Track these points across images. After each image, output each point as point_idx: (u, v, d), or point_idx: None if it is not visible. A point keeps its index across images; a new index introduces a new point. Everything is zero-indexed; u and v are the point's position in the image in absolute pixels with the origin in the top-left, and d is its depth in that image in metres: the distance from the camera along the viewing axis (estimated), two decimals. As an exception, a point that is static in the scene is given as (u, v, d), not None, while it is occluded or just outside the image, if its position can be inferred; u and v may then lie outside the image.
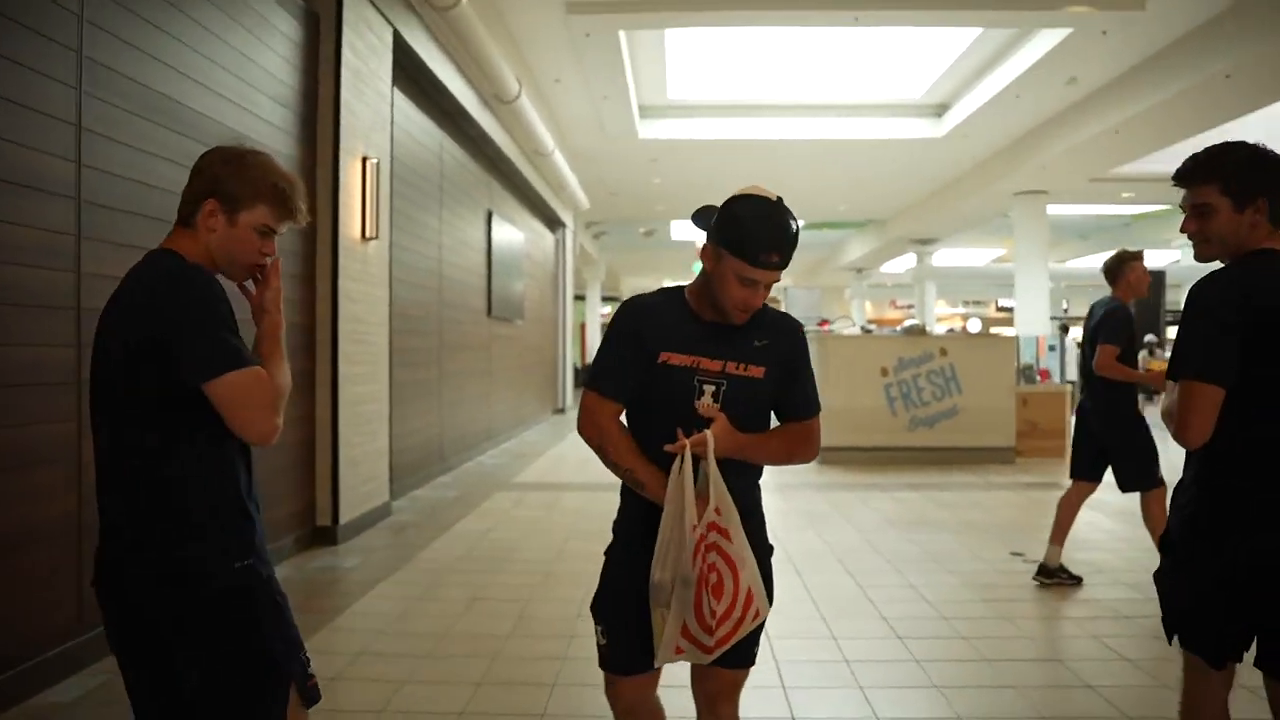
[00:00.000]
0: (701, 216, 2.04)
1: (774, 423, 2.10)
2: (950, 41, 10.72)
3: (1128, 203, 17.74)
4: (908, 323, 10.67)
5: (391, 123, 6.83)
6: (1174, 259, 23.98)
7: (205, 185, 1.79)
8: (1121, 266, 4.76)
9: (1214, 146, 2.13)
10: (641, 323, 2.01)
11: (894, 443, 9.64)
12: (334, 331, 5.83)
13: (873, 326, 17.30)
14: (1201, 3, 8.72)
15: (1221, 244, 2.10)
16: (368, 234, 6.21)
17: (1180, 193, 2.16)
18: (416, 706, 3.31)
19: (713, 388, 1.96)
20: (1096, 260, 26.09)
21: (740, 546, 1.92)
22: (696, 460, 1.91)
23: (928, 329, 11.13)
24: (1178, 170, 2.16)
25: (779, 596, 4.64)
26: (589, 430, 2.03)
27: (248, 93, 4.93)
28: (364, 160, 6.17)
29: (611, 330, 2.05)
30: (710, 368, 1.96)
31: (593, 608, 2.13)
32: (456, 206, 9.40)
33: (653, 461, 1.97)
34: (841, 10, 8.94)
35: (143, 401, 1.69)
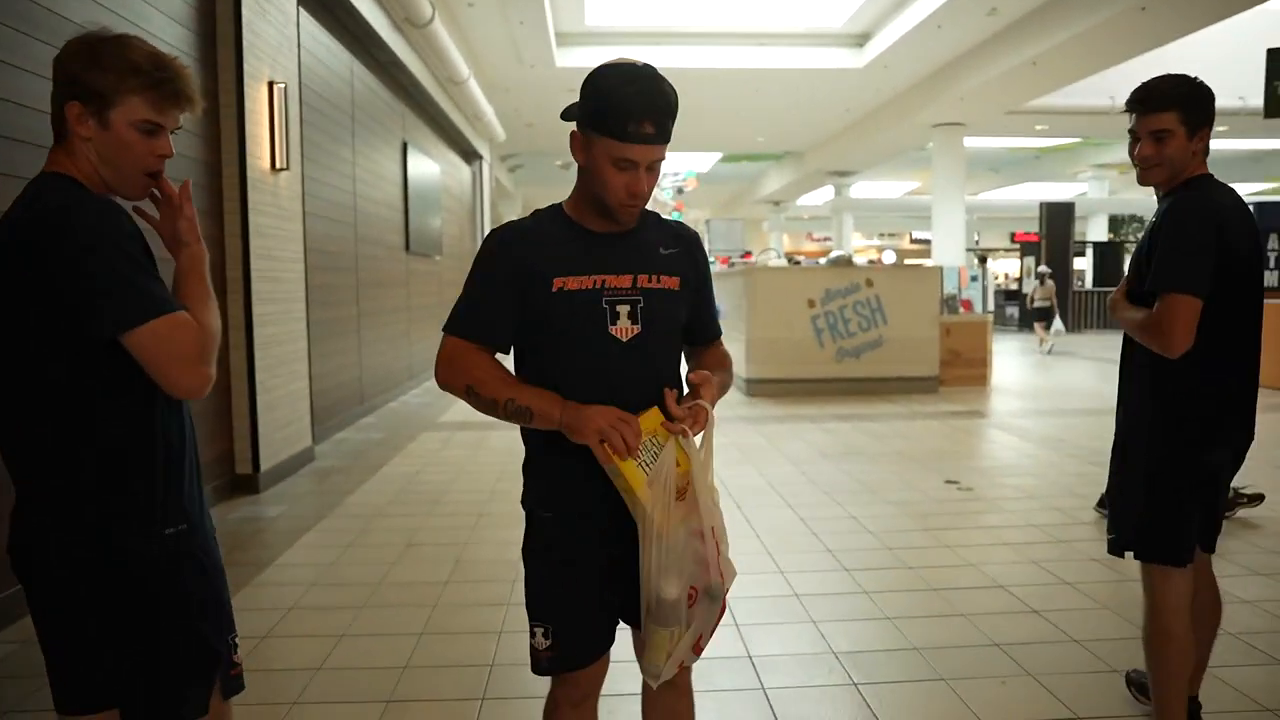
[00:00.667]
0: (570, 110, 1.69)
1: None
2: (875, -32, 10.58)
3: (1040, 135, 18.07)
4: (834, 254, 10.68)
5: (299, 45, 6.37)
6: (1081, 191, 24.67)
7: (65, 86, 1.49)
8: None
9: (1170, 76, 2.26)
10: (521, 249, 1.67)
11: (821, 374, 9.70)
12: (245, 269, 5.47)
13: (800, 259, 17.37)
14: (1122, -69, 8.76)
15: (1170, 169, 2.24)
16: (278, 164, 5.81)
17: (1121, 121, 2.31)
18: (356, 662, 3.15)
19: (627, 307, 1.66)
20: (1007, 193, 26.74)
21: (717, 514, 1.72)
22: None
23: (853, 260, 11.17)
24: (1137, 96, 2.25)
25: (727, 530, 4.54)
26: (449, 375, 1.67)
27: (135, 5, 4.47)
28: (270, 85, 5.74)
29: (481, 263, 1.70)
30: (619, 284, 1.66)
31: (530, 609, 1.76)
32: (370, 137, 8.93)
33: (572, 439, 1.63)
34: (768, -68, 8.68)
35: (53, 361, 1.44)
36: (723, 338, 1.94)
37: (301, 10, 6.55)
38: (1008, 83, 12.72)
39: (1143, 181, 2.32)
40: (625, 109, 1.55)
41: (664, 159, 1.63)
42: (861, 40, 13.26)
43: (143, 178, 1.54)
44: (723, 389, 1.80)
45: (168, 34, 4.81)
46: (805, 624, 3.42)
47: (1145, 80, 2.28)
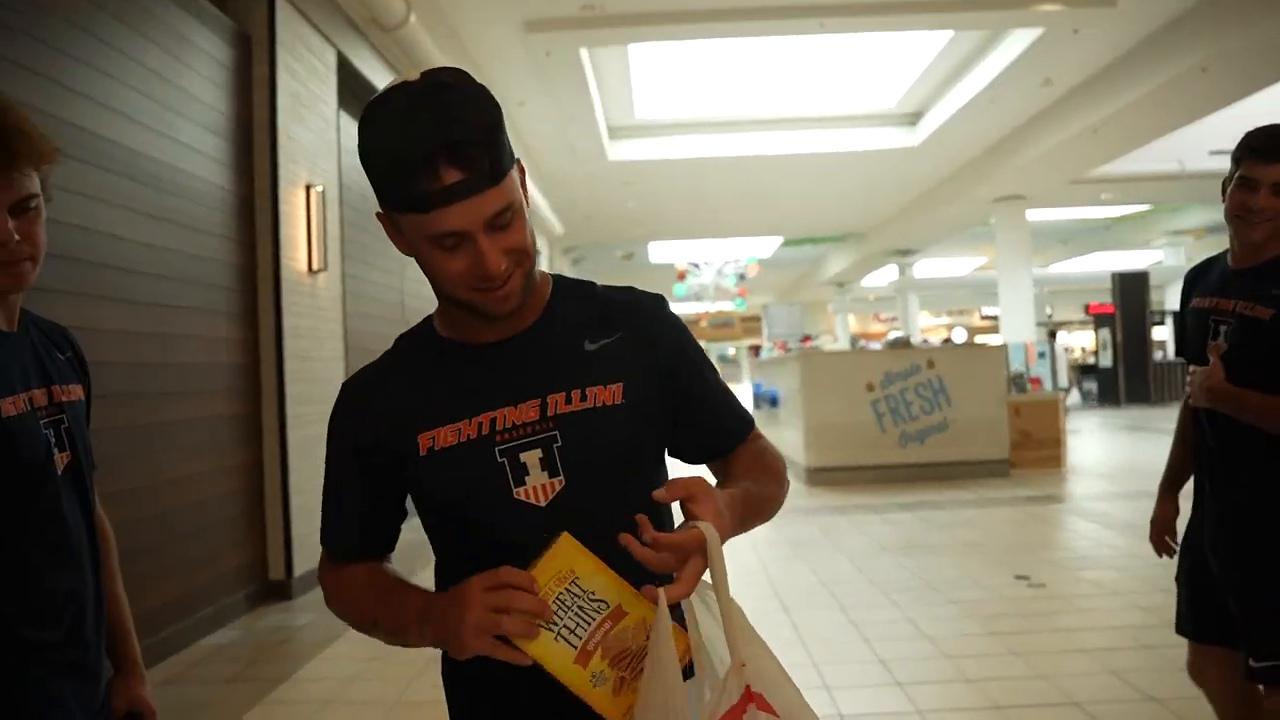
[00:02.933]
0: None
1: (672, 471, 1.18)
2: (921, 48, 10.50)
3: (1107, 204, 17.58)
4: (892, 335, 10.35)
5: (339, 148, 6.47)
6: (1156, 259, 23.89)
7: None
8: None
9: None
10: (364, 406, 1.16)
11: (884, 460, 9.28)
12: (279, 372, 5.44)
13: (862, 341, 17.05)
14: (1174, -4, 8.53)
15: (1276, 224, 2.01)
16: (315, 266, 5.83)
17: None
18: (354, 797, 2.90)
19: (536, 452, 1.09)
20: (1078, 265, 26.05)
21: (791, 700, 1.04)
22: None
23: (913, 341, 10.82)
24: (1264, 143, 2.01)
25: (767, 637, 4.20)
26: (329, 601, 1.22)
27: (166, 117, 4.55)
28: (308, 188, 5.80)
29: (329, 443, 1.21)
30: (517, 419, 1.09)
31: None
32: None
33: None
34: (806, 18, 8.68)
35: None
36: (758, 429, 1.30)
37: (343, 114, 6.68)
38: (1068, 152, 12.39)
39: (1244, 236, 2.06)
40: (406, 162, 0.98)
41: (511, 204, 1.03)
42: (914, 119, 13.13)
43: None
44: (749, 504, 1.12)
45: (203, 144, 4.90)
46: (850, 751, 3.07)
47: (1265, 126, 2.05)
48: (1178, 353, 2.44)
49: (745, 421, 1.26)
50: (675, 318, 1.23)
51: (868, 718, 3.33)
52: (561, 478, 1.09)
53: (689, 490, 1.00)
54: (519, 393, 1.10)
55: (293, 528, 5.48)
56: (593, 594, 1.01)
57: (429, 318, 1.21)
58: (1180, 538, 2.36)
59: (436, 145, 0.98)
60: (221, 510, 4.97)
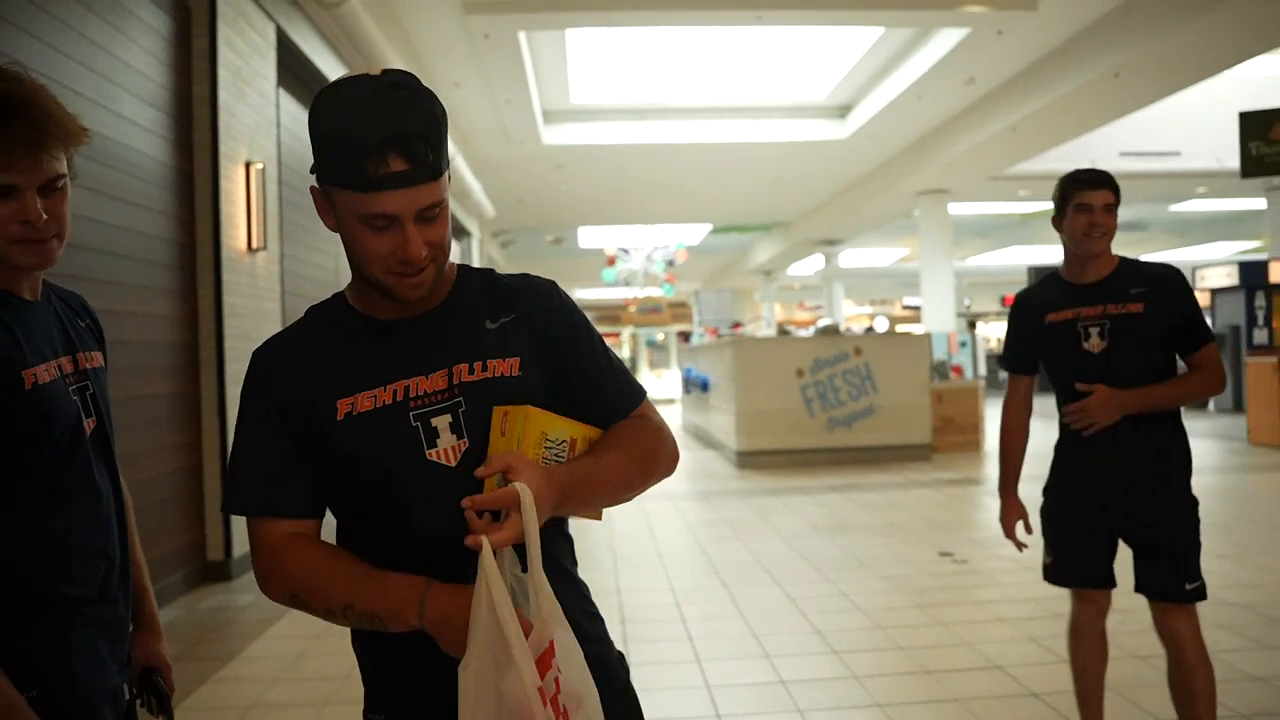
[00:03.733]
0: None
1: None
2: (853, 43, 10.77)
3: (1024, 200, 18.25)
4: (822, 322, 10.64)
5: (278, 125, 6.39)
6: (1067, 254, 24.81)
7: None
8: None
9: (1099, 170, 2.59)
10: (284, 369, 1.22)
11: (813, 444, 9.56)
12: (219, 350, 5.38)
13: (790, 328, 17.39)
14: (1091, 3, 8.93)
15: (1110, 238, 2.53)
16: (254, 244, 5.76)
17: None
18: (314, 766, 2.95)
19: (446, 417, 1.18)
20: (996, 258, 26.95)
21: (575, 674, 1.12)
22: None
23: (842, 329, 11.13)
24: (1092, 176, 2.52)
25: (708, 612, 4.37)
26: (266, 577, 1.21)
27: (104, 88, 4.46)
28: (248, 165, 5.73)
29: (244, 401, 1.24)
30: (428, 387, 1.19)
31: None
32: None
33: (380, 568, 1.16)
34: (744, 10, 8.84)
35: None
36: (648, 406, 1.36)
37: (282, 91, 6.58)
38: (989, 149, 12.86)
39: (1092, 250, 2.52)
40: (358, 145, 1.08)
41: (442, 201, 1.14)
42: (844, 111, 13.44)
43: (15, 246, 1.24)
44: (587, 477, 1.19)
45: (141, 117, 4.80)
46: (791, 713, 3.24)
47: (1086, 169, 2.58)
48: (1012, 368, 2.81)
49: (630, 396, 1.33)
50: (566, 299, 1.33)
51: (807, 683, 3.52)
52: (467, 439, 1.19)
53: (506, 463, 1.11)
54: (428, 364, 1.21)
55: (231, 508, 5.43)
56: (560, 439, 1.20)
57: (339, 294, 1.30)
58: (1050, 515, 2.85)
59: (390, 134, 1.08)
60: (160, 490, 4.91)
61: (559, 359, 1.27)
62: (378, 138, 1.08)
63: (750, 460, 9.53)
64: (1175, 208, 19.86)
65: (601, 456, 1.23)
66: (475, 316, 1.25)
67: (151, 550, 4.74)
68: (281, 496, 1.20)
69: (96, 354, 1.42)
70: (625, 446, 1.26)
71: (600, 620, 1.33)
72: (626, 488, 1.26)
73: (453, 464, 1.18)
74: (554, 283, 1.34)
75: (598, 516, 1.29)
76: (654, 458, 1.30)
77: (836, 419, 9.61)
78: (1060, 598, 4.51)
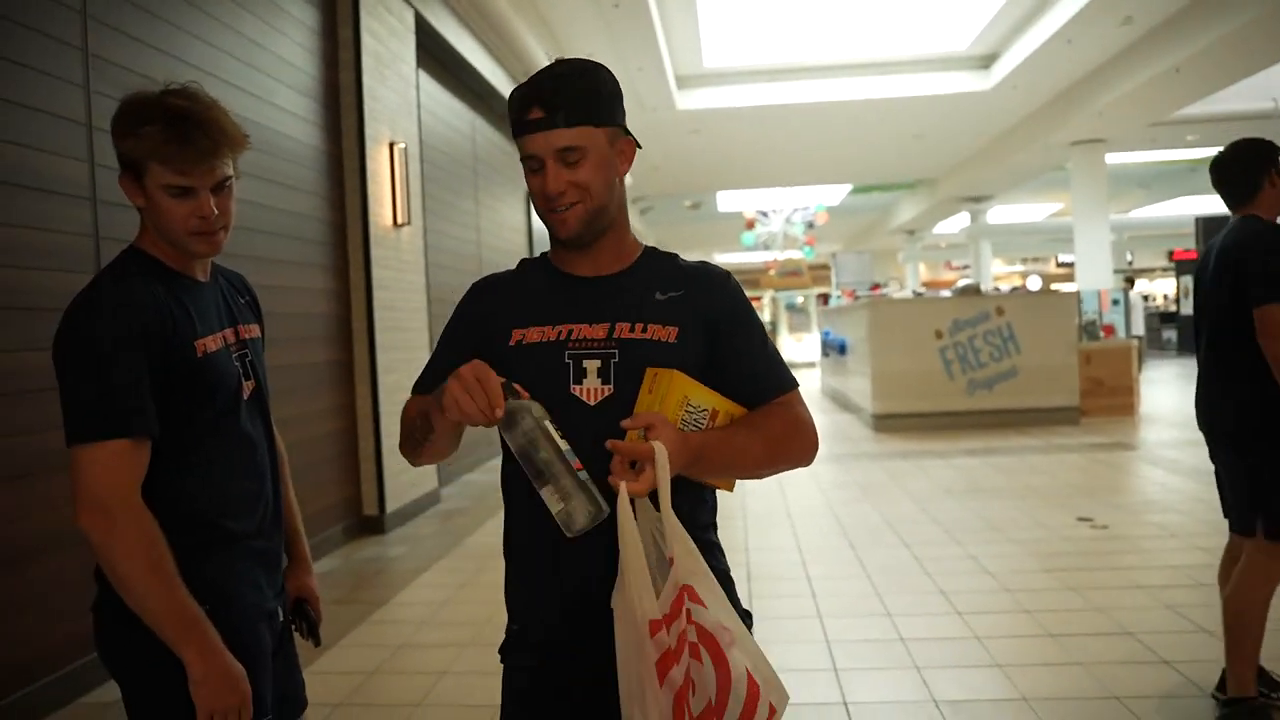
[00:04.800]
0: None
1: None
2: (995, -13, 10.28)
3: (1192, 146, 16.95)
4: (961, 283, 10.33)
5: (418, 106, 6.73)
6: (1244, 203, 22.91)
7: (118, 157, 1.43)
8: (1261, 163, 2.79)
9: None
10: (487, 301, 1.47)
11: (951, 407, 9.34)
12: (369, 321, 5.78)
13: (923, 290, 16.88)
14: (1265, -74, 8.20)
15: None
16: (399, 220, 6.14)
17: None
18: (453, 699, 3.23)
19: (596, 362, 1.35)
20: (1160, 210, 25.20)
21: (721, 610, 1.25)
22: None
23: (983, 288, 10.76)
24: None
25: (833, 571, 4.44)
26: (401, 437, 1.47)
27: (265, 83, 4.85)
28: (391, 146, 6.08)
29: (450, 317, 1.52)
30: (590, 334, 1.36)
31: None
32: (493, 188, 9.30)
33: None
34: (878, -39, 8.59)
35: None
36: (797, 397, 1.46)
37: (421, 73, 6.92)
38: (1149, 94, 12.01)
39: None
40: (514, 102, 1.34)
41: (580, 147, 1.33)
42: (988, 62, 12.84)
43: (193, 237, 1.44)
44: (720, 446, 1.33)
45: (296, 107, 5.19)
46: (908, 669, 3.28)
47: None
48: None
49: (780, 383, 1.44)
50: (735, 286, 1.47)
51: (926, 641, 3.54)
52: (611, 386, 1.34)
53: (649, 420, 1.26)
54: (595, 315, 1.38)
55: (384, 467, 5.86)
56: (701, 407, 1.33)
57: (548, 250, 1.51)
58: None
59: (531, 91, 1.33)
60: (320, 450, 5.36)
61: (717, 337, 1.41)
62: (523, 95, 1.33)
63: (886, 423, 9.42)
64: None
65: (736, 432, 1.35)
66: (648, 287, 1.41)
67: (313, 504, 5.20)
68: (432, 385, 1.38)
69: (254, 326, 1.65)
70: (760, 428, 1.37)
71: (730, 581, 1.42)
72: (755, 465, 1.38)
73: (592, 403, 1.34)
74: (728, 272, 1.50)
75: (729, 488, 1.41)
76: (786, 444, 1.40)
77: (977, 381, 9.34)
78: (1206, 567, 4.33)
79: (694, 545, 1.25)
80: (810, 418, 1.45)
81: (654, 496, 1.25)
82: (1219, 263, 2.78)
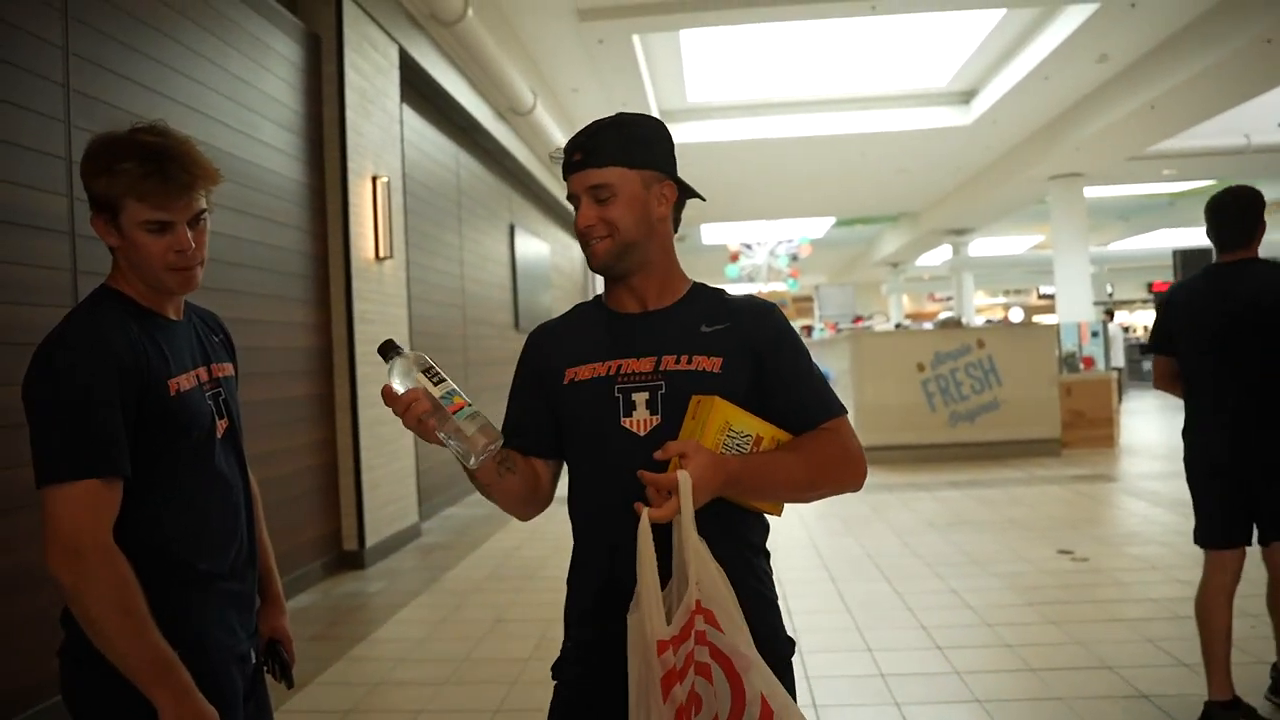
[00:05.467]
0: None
1: None
2: (974, 25, 10.45)
3: (1169, 180, 17.21)
4: (942, 315, 10.40)
5: (402, 140, 6.77)
6: (1221, 236, 23.24)
7: (89, 197, 1.44)
8: (1258, 211, 3.04)
9: None
10: (543, 345, 1.57)
11: (934, 439, 9.37)
12: (350, 354, 5.77)
13: (908, 322, 16.99)
14: (1234, -33, 8.40)
15: None
16: (381, 254, 6.15)
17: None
18: (431, 740, 3.19)
19: (645, 394, 1.43)
20: (1140, 242, 25.49)
21: (739, 638, 1.27)
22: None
23: (964, 321, 10.84)
24: None
25: (813, 605, 4.44)
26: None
27: (248, 118, 4.87)
28: (374, 179, 6.11)
29: (518, 370, 1.62)
30: (638, 369, 1.44)
31: None
32: (477, 221, 9.34)
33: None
34: (858, 0, 8.73)
35: None
36: (844, 424, 1.50)
37: (405, 107, 6.97)
38: (1126, 129, 12.21)
39: None
40: (566, 149, 1.49)
41: (608, 184, 1.44)
42: (968, 97, 13.04)
43: (171, 273, 1.45)
44: (757, 471, 1.37)
45: (277, 141, 5.21)
46: (888, 706, 3.26)
47: None
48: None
49: (824, 406, 1.48)
50: (781, 318, 1.53)
51: (908, 676, 3.53)
52: (660, 416, 1.42)
53: (682, 449, 1.32)
54: (643, 350, 1.46)
55: (364, 501, 5.82)
56: (744, 433, 1.39)
57: (600, 295, 1.61)
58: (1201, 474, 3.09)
59: (577, 138, 1.48)
60: (299, 485, 5.32)
61: (761, 365, 1.46)
62: (572, 140, 1.48)
63: (869, 455, 9.30)
64: (1345, 182, 18.30)
65: (779, 455, 1.41)
66: (694, 321, 1.49)
67: (291, 539, 5.15)
68: (513, 433, 1.54)
69: (228, 365, 1.65)
70: (804, 452, 1.42)
71: (775, 606, 1.49)
72: (798, 488, 1.43)
73: (641, 434, 1.41)
74: (775, 305, 1.56)
75: (776, 511, 1.46)
76: (831, 468, 1.44)
77: (959, 413, 9.38)
78: (1186, 600, 4.34)
79: (719, 572, 1.28)
80: (857, 444, 1.50)
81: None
82: (1265, 310, 2.88)
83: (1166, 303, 3.16)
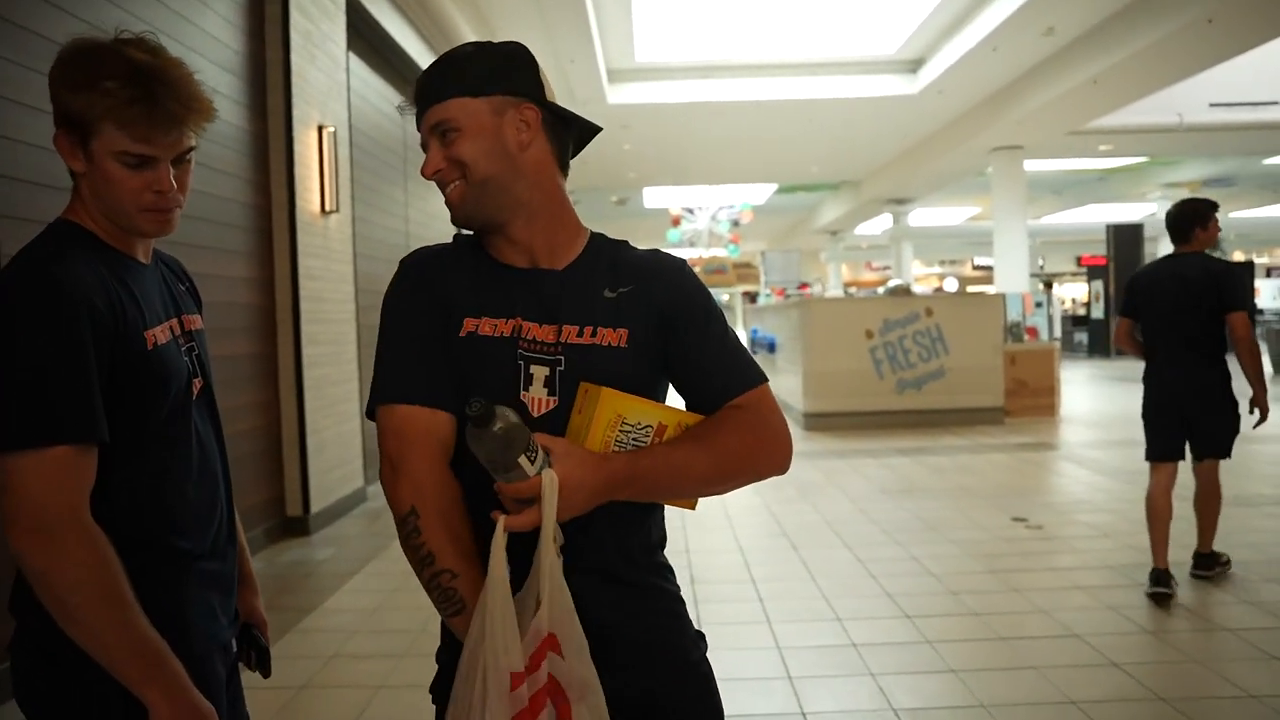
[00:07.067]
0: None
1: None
2: (926, -7, 10.41)
3: (1105, 155, 17.59)
4: (892, 283, 10.45)
5: (348, 89, 6.44)
6: (1150, 212, 23.96)
7: (54, 109, 1.22)
8: (1208, 215, 4.17)
9: None
10: (434, 280, 1.25)
11: (882, 406, 9.44)
12: (295, 312, 5.49)
13: (854, 290, 17.13)
14: (1184, -56, 8.47)
15: None
16: (327, 207, 5.85)
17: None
18: (391, 714, 3.04)
19: (544, 370, 1.20)
20: (1072, 216, 26.11)
21: (579, 662, 1.09)
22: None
23: (912, 289, 10.91)
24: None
25: (777, 573, 4.37)
26: (396, 475, 1.17)
27: (186, 55, 4.49)
28: (320, 129, 5.80)
29: (398, 301, 1.26)
30: (539, 336, 1.21)
31: None
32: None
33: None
34: (815, -39, 8.59)
35: None
36: (763, 393, 1.28)
37: (352, 55, 6.63)
38: (1068, 103, 12.38)
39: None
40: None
41: (453, 122, 1.21)
42: (915, 66, 13.05)
43: (145, 214, 1.26)
44: (651, 469, 1.17)
45: (219, 83, 4.88)
46: (864, 677, 3.22)
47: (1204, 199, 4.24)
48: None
49: (739, 379, 1.27)
50: (692, 277, 1.31)
51: (879, 646, 3.50)
52: (556, 398, 1.20)
53: (548, 445, 1.11)
54: (543, 314, 1.23)
55: (309, 465, 5.58)
56: (641, 424, 1.18)
57: (473, 235, 1.32)
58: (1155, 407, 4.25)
59: (418, 80, 1.26)
60: (239, 448, 5.06)
61: (671, 335, 1.26)
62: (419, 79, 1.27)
63: (817, 422, 9.45)
64: (1270, 161, 18.93)
65: (677, 448, 1.19)
66: (595, 283, 1.26)
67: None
68: (429, 388, 1.20)
69: (197, 316, 1.44)
70: (709, 440, 1.21)
71: (680, 601, 1.31)
72: (707, 482, 1.23)
73: (535, 416, 1.19)
74: (684, 261, 1.33)
75: (690, 506, 1.26)
76: (745, 456, 1.24)
77: (906, 381, 9.46)
78: (1141, 566, 4.41)
79: (564, 588, 1.09)
80: (780, 419, 1.28)
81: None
82: (1196, 287, 4.05)
83: (1133, 280, 4.37)
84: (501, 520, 1.08)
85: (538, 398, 1.19)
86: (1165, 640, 3.48)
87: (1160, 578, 3.93)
